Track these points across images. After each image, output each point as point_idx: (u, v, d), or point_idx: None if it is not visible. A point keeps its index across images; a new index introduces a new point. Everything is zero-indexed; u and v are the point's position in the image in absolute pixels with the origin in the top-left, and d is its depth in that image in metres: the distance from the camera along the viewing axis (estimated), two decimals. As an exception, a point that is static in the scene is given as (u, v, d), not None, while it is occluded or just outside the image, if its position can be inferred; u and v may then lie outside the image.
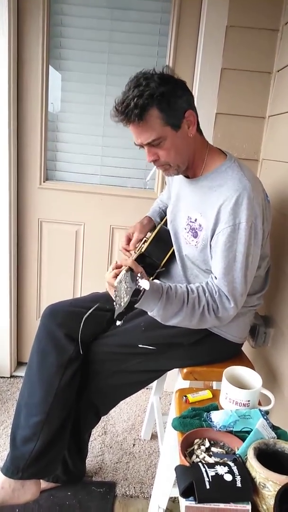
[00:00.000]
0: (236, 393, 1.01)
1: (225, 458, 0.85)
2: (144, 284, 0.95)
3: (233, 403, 1.01)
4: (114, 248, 2.05)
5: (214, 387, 1.41)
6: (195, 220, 1.18)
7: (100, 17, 1.79)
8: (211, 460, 0.86)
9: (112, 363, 1.27)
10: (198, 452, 0.90)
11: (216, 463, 0.81)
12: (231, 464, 0.80)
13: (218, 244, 1.09)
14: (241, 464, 0.80)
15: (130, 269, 1.04)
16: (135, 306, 0.98)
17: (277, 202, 1.43)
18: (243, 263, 1.08)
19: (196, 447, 0.91)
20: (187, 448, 0.91)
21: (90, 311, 1.27)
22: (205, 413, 1.02)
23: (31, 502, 1.31)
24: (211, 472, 0.77)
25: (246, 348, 1.41)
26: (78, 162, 1.97)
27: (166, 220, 1.40)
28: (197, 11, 1.70)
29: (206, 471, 0.78)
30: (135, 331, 1.26)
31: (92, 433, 1.54)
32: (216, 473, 0.77)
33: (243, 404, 1.01)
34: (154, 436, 1.80)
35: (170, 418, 1.16)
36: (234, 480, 0.76)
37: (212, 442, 0.93)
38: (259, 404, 1.08)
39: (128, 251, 1.40)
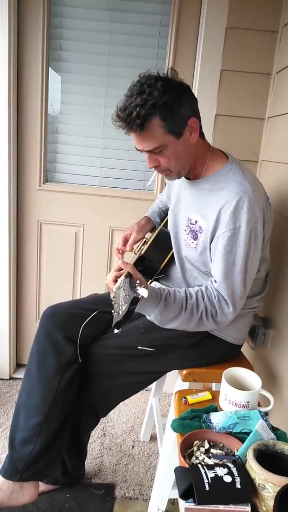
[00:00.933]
0: (235, 395, 1.01)
1: (225, 460, 0.85)
2: (142, 292, 0.94)
3: (233, 405, 1.01)
4: (113, 250, 2.05)
5: (214, 389, 1.41)
6: (195, 222, 1.18)
7: (100, 19, 1.79)
8: (211, 461, 0.86)
9: (111, 365, 1.27)
10: (198, 453, 0.89)
11: (216, 465, 0.81)
12: (231, 465, 0.80)
13: (218, 247, 1.09)
14: (241, 465, 0.80)
15: (129, 275, 1.03)
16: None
17: (276, 203, 1.43)
18: (242, 267, 1.08)
19: (195, 448, 0.91)
20: (186, 449, 0.91)
21: (89, 318, 1.27)
22: (205, 414, 1.02)
23: (29, 504, 1.31)
24: (211, 474, 0.77)
25: (246, 350, 1.41)
26: (78, 164, 1.98)
27: (166, 221, 1.40)
28: (196, 13, 1.71)
29: (205, 472, 0.78)
30: (134, 332, 1.25)
31: (91, 435, 1.53)
32: (216, 475, 0.77)
33: (243, 405, 1.00)
34: (153, 438, 1.79)
35: (170, 420, 1.16)
36: (233, 481, 0.76)
37: (211, 443, 0.93)
38: (259, 405, 1.08)
39: (123, 253, 1.39)
